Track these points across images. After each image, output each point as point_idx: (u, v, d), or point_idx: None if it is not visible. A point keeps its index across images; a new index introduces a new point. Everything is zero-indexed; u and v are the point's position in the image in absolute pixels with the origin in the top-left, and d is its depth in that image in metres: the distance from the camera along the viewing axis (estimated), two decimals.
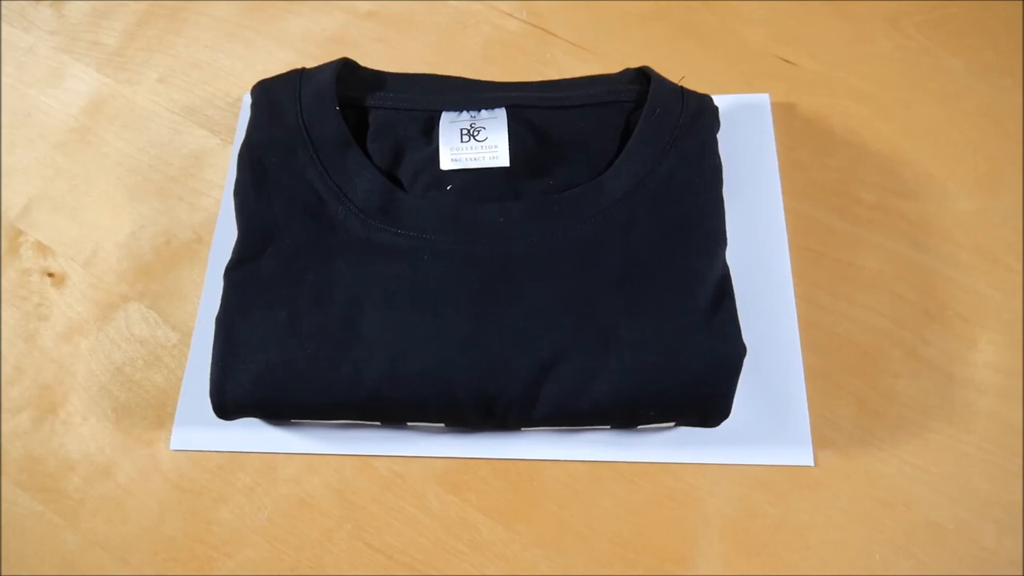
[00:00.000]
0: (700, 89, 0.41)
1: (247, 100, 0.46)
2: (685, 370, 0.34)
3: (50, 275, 0.45)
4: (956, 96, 0.46)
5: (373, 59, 0.44)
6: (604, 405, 0.35)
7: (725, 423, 0.36)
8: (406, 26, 0.52)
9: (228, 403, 0.36)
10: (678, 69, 0.45)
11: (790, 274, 0.42)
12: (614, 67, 0.44)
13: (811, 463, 0.38)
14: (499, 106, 0.40)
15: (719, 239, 0.38)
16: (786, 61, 0.48)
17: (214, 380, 0.36)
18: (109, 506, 0.39)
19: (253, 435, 0.40)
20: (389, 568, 0.37)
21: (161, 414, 0.41)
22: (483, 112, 0.40)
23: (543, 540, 0.37)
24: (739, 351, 0.35)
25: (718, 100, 0.42)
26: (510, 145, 0.38)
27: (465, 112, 0.40)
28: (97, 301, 0.44)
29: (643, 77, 0.41)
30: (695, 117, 0.39)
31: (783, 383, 0.39)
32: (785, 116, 0.46)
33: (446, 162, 0.38)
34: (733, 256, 0.38)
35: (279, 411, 0.36)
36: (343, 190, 0.38)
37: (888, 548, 0.36)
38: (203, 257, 0.45)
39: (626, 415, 0.36)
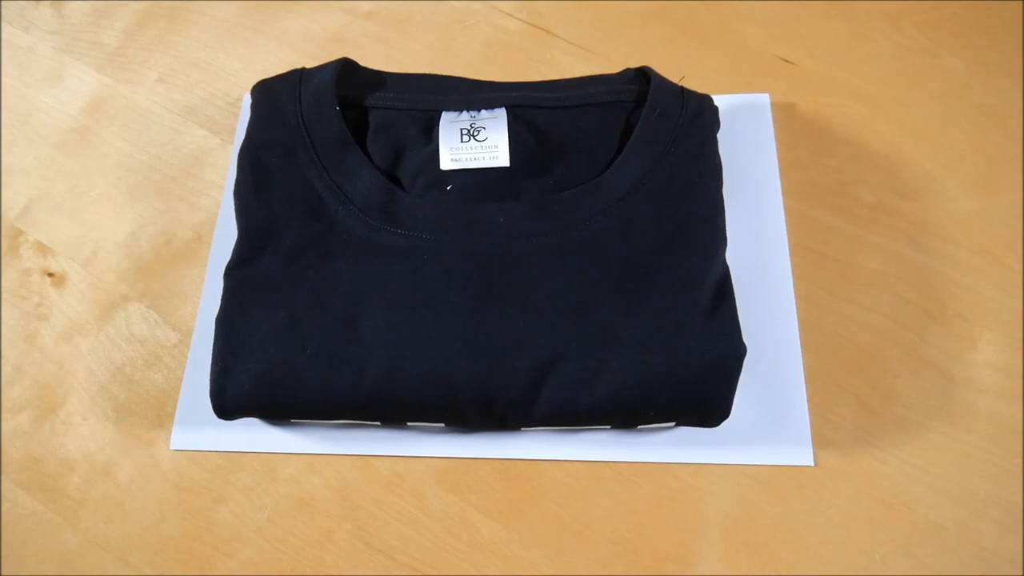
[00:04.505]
0: (700, 89, 0.41)
1: (247, 100, 0.46)
2: (685, 370, 0.34)
3: (50, 275, 0.45)
4: (956, 96, 0.46)
5: (373, 59, 0.44)
6: (604, 405, 0.35)
7: (725, 423, 0.36)
8: (406, 26, 0.52)
9: (228, 403, 0.36)
10: (678, 69, 0.45)
11: (790, 274, 0.42)
12: (614, 67, 0.44)
13: (811, 463, 0.38)
14: (499, 106, 0.40)
15: (719, 239, 0.38)
16: (786, 61, 0.48)
17: (214, 380, 0.36)
18: (109, 506, 0.39)
19: (253, 435, 0.40)
20: (389, 568, 0.37)
21: (161, 414, 0.41)
22: (483, 112, 0.40)
23: (543, 540, 0.37)
24: (739, 351, 0.35)
25: (718, 100, 0.42)
26: (510, 145, 0.38)
27: (465, 112, 0.40)
28: (97, 301, 0.44)
29: (643, 77, 0.41)
30: (695, 117, 0.39)
31: (783, 383, 0.39)
32: (785, 116, 0.46)
33: (446, 162, 0.38)
34: (733, 256, 0.38)
35: (279, 411, 0.36)
36: (343, 190, 0.38)
37: (888, 548, 0.36)
38: (203, 257, 0.45)
39: (626, 415, 0.35)
